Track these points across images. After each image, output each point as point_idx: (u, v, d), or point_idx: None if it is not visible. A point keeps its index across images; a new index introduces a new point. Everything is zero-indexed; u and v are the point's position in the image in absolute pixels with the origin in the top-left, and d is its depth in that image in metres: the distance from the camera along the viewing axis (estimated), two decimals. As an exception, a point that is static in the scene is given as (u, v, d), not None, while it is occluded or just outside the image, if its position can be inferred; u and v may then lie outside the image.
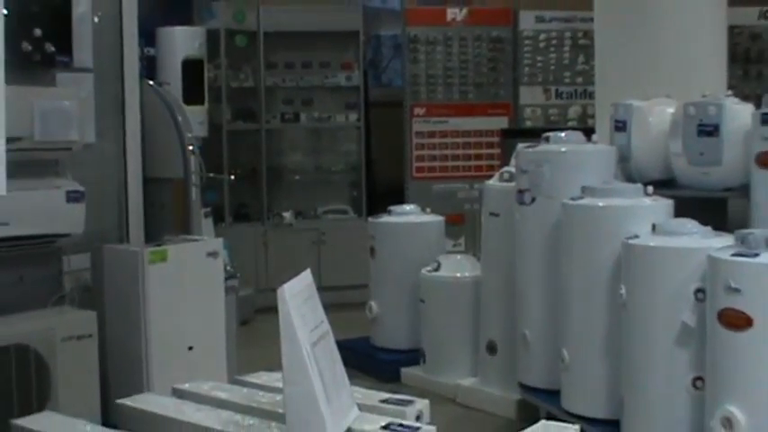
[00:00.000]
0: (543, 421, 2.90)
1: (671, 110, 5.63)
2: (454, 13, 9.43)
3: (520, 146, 5.82)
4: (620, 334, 4.88)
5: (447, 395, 6.31)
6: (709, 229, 4.75)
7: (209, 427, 3.25)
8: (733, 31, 8.56)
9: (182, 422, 3.34)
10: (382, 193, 9.18)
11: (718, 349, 4.28)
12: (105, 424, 3.81)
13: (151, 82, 6.19)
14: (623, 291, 4.78)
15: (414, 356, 6.77)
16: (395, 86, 9.97)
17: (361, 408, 3.24)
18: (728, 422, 4.18)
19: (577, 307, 5.22)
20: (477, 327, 6.38)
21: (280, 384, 3.10)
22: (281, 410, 3.13)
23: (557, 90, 9.49)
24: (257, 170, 9.22)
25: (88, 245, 4.86)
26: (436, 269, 6.64)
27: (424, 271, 6.68)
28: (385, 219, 7.20)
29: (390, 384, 6.35)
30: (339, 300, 6.93)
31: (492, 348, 6.20)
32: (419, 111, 9.38)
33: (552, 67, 9.48)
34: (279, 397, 3.23)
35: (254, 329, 7.09)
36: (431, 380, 6.51)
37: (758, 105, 5.11)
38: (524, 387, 5.78)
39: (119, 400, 3.65)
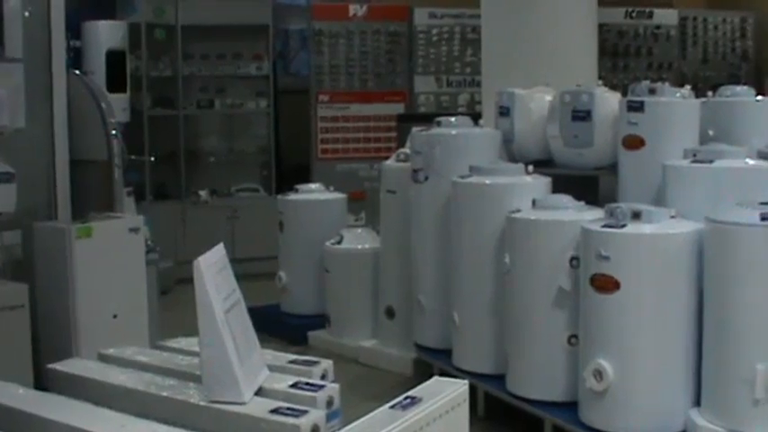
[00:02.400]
0: (436, 377, 2.93)
1: (549, 97, 5.69)
2: (356, 10, 9.40)
3: (414, 129, 5.84)
4: (505, 298, 4.95)
5: (350, 356, 6.32)
6: (582, 203, 4.85)
7: (132, 389, 3.23)
8: (603, 28, 8.70)
9: (107, 384, 3.31)
10: (290, 172, 9.13)
11: (591, 310, 4.38)
12: (37, 387, 3.75)
13: (77, 72, 6.08)
14: (507, 259, 4.84)
15: (319, 321, 6.76)
16: (301, 76, 9.90)
17: (271, 368, 3.24)
18: (599, 373, 4.28)
19: (466, 274, 5.27)
20: (376, 294, 6.40)
21: (197, 348, 3.09)
22: (198, 372, 3.12)
23: (448, 79, 9.53)
24: (176, 152, 9.10)
25: (19, 222, 4.77)
26: (339, 242, 6.64)
27: (328, 243, 6.67)
28: (292, 196, 7.17)
29: (298, 347, 6.34)
30: (251, 270, 6.88)
31: (390, 313, 6.22)
32: (323, 98, 9.35)
33: (444, 59, 9.51)
34: (196, 360, 3.22)
35: (173, 298, 7.01)
36: (335, 342, 6.52)
37: (625, 94, 5.21)
38: (420, 347, 5.83)
39: (49, 365, 3.60)
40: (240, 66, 9.38)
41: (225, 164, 9.54)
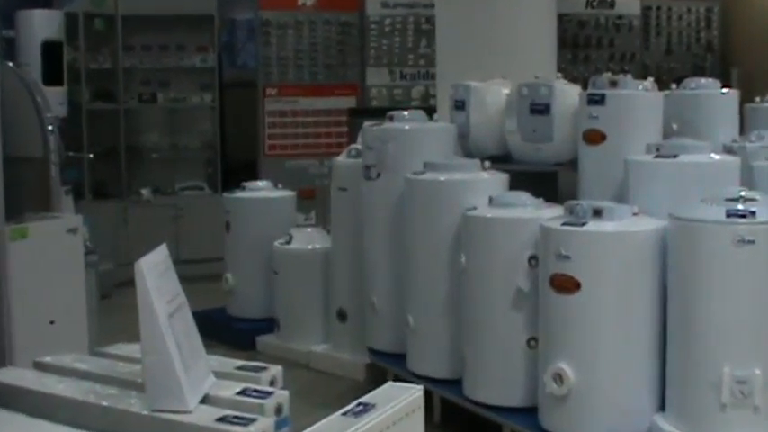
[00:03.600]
0: (390, 383, 2.91)
1: (506, 90, 5.70)
2: (305, -1, 9.40)
3: (366, 124, 5.83)
4: (461, 299, 4.96)
5: (300, 361, 6.31)
6: (541, 200, 4.87)
7: (70, 398, 3.18)
8: (562, 18, 8.76)
9: (44, 394, 3.26)
10: (236, 169, 9.10)
11: (550, 311, 4.39)
12: (-32, 398, 3.69)
13: (10, 63, 6.00)
14: (463, 259, 4.84)
15: (268, 325, 6.74)
16: (248, 68, 9.87)
17: (218, 375, 3.21)
18: (559, 377, 4.29)
19: (421, 275, 5.27)
20: (327, 296, 6.39)
21: (139, 355, 3.05)
22: (140, 380, 3.09)
23: (401, 72, 9.54)
24: (116, 149, 9.03)
25: (-52, 223, 4.69)
26: (288, 242, 6.62)
27: (276, 244, 6.65)
28: (239, 194, 7.14)
29: (246, 352, 6.32)
30: (196, 272, 6.85)
31: (342, 316, 6.21)
32: (271, 91, 9.33)
33: (397, 51, 9.52)
34: (138, 367, 3.18)
35: (114, 303, 6.95)
36: (285, 347, 6.50)
37: (585, 87, 5.23)
38: (373, 351, 5.82)
39: (-20, 374, 3.54)
40: (184, 58, 9.33)
41: (168, 161, 9.48)
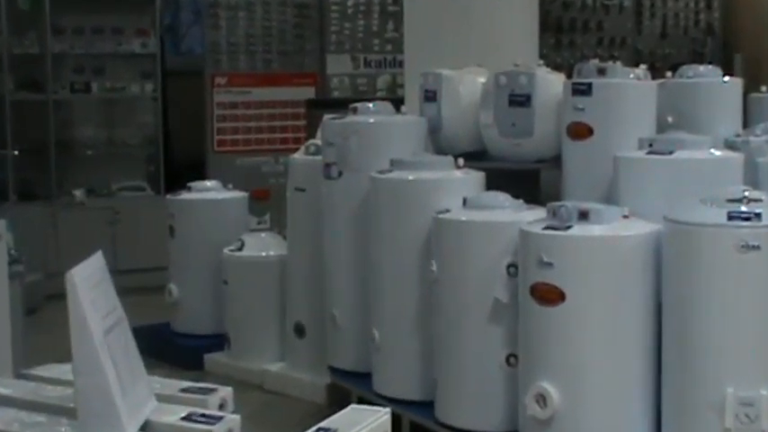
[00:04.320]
0: (353, 405, 2.91)
1: (482, 79, 5.72)
2: (258, -23, 9.39)
3: (326, 117, 5.83)
4: (433, 312, 4.96)
5: (253, 382, 6.30)
6: (521, 202, 4.88)
7: (-9, 426, 3.15)
8: (545, -1, 8.80)
9: (-39, 422, 3.23)
10: (181, 168, 9.07)
11: (532, 325, 4.39)
12: None
13: None
14: (434, 267, 4.84)
15: (217, 342, 6.73)
16: (194, 55, 9.86)
17: (160, 398, 3.19)
18: (542, 398, 4.29)
19: (388, 285, 5.27)
20: (283, 308, 6.38)
21: (70, 377, 3.03)
22: (71, 405, 3.07)
23: (365, 59, 9.55)
24: (45, 145, 8.97)
25: None
26: (240, 248, 6.61)
27: (226, 251, 6.63)
28: (184, 195, 7.13)
29: (193, 372, 6.28)
30: (136, 283, 6.83)
31: (300, 330, 6.21)
32: (220, 80, 9.31)
33: (360, 35, 9.53)
34: (69, 390, 3.16)
35: (42, 318, 6.91)
36: (236, 366, 6.49)
37: (570, 75, 5.25)
38: (334, 370, 5.82)
39: None
40: (121, 42, 9.28)
41: (104, 158, 9.43)
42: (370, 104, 5.78)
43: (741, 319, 3.98)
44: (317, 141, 6.03)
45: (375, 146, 5.50)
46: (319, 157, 5.83)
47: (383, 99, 6.56)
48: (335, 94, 9.39)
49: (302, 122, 9.08)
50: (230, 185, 7.26)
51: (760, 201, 4.05)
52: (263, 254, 6.58)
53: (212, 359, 6.72)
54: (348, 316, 5.66)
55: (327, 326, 5.81)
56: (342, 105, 6.20)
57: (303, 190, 6.08)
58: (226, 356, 6.66)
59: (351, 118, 5.66)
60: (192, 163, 9.16)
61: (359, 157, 5.50)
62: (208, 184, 7.30)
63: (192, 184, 7.21)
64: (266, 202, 8.02)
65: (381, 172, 5.28)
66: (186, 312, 7.01)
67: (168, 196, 7.36)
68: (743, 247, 3.92)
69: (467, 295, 4.75)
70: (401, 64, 7.91)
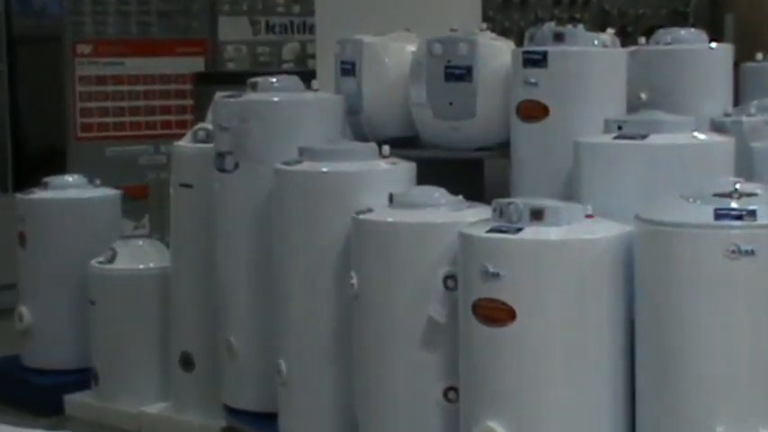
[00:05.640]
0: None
1: (412, 48, 5.76)
2: None
3: (219, 95, 5.83)
4: (353, 336, 4.98)
5: (128, 427, 6.28)
6: (460, 198, 4.90)
7: None
8: (488, -52, 8.85)
9: None
10: (35, 159, 9.01)
11: (475, 350, 4.41)
12: None
13: None
14: (354, 280, 4.86)
15: (82, 378, 6.66)
16: (50, 16, 9.78)
17: (9, 448, 3.18)
18: (489, 440, 4.34)
19: (297, 303, 5.28)
20: (166, 335, 6.36)
21: None
22: None
23: (267, 22, 9.56)
24: None
25: None
26: (110, 260, 6.56)
27: (93, 263, 6.58)
28: (39, 194, 7.05)
29: (51, 418, 6.26)
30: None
31: (187, 362, 6.19)
32: (84, 49, 9.26)
33: (261, -7, 9.55)
34: None
35: None
36: (106, 408, 6.45)
37: (520, 42, 5.30)
38: (231, 411, 5.82)
39: None
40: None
41: (-66, 147, 9.35)
42: (274, 79, 5.78)
43: (732, 341, 4.01)
44: (208, 125, 6.03)
45: (280, 131, 5.51)
46: (210, 145, 5.83)
47: (290, 72, 6.56)
48: (230, 66, 9.38)
49: (189, 102, 9.07)
50: (98, 181, 7.20)
51: (754, 195, 4.09)
52: (141, 266, 6.54)
53: (75, 400, 6.66)
54: (248, 343, 5.66)
55: (222, 356, 5.81)
56: (238, 80, 6.19)
57: (190, 186, 6.07)
58: (92, 397, 6.60)
59: (249, 96, 5.67)
60: (48, 153, 9.10)
61: (260, 144, 5.51)
62: (69, 179, 7.23)
63: (49, 180, 7.13)
64: (144, 201, 7.98)
65: (288, 163, 5.28)
66: (41, 342, 6.94)
67: (18, 195, 7.29)
68: (733, 252, 3.95)
69: (395, 315, 4.77)
70: (312, 29, 7.92)
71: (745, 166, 4.75)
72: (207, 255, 5.89)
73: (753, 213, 3.99)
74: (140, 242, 6.75)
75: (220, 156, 5.65)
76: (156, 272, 6.49)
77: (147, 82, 9.35)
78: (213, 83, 7.80)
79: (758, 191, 4.13)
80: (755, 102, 5.28)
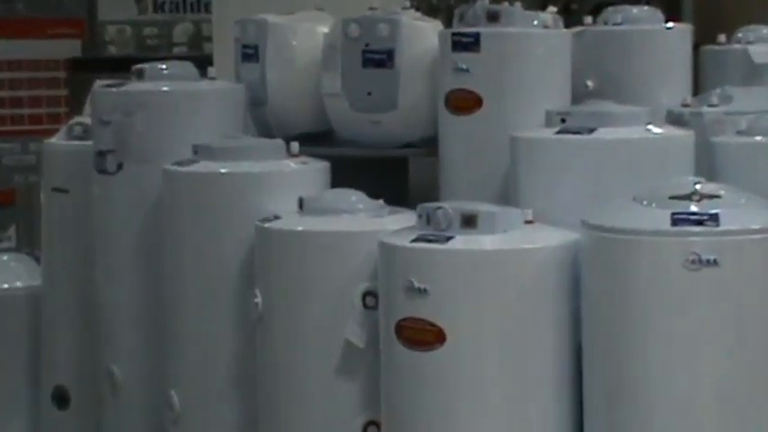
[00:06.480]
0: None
1: (324, 29, 5.81)
2: None
3: (98, 84, 5.83)
4: (258, 363, 5.00)
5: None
6: (381, 203, 4.94)
7: None
8: None
9: None
10: None
11: (399, 378, 4.45)
12: None
13: None
14: (259, 298, 4.88)
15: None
16: None
17: None
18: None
19: (192, 326, 5.30)
20: (36, 366, 6.35)
21: None
22: None
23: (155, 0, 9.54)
24: None
25: None
26: (-31, 278, 6.55)
27: (-51, 282, 6.57)
28: None
29: None
30: None
31: (61, 398, 6.18)
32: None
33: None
34: None
35: None
36: (-37, 453, 6.43)
37: (450, 23, 5.36)
38: (113, 453, 5.81)
39: None
40: None
41: None
42: (163, 65, 5.80)
43: (693, 362, 4.06)
44: (86, 120, 6.02)
45: (170, 126, 5.54)
46: (88, 143, 5.83)
47: (182, 58, 6.57)
48: (112, 50, 9.37)
49: (62, 92, 9.04)
50: (-46, 185, 7.20)
51: (717, 197, 4.15)
52: (5, 285, 6.52)
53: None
54: (133, 373, 5.67)
55: (102, 389, 5.80)
56: (121, 67, 6.19)
57: (65, 191, 6.07)
58: (-55, 440, 6.60)
59: (135, 85, 5.68)
60: None
61: (147, 141, 5.53)
62: None
63: None
64: (10, 208, 7.96)
65: (180, 163, 5.30)
66: None
67: None
68: (693, 262, 4.00)
69: (305, 338, 4.79)
70: (207, 7, 7.94)
71: (705, 163, 4.82)
72: (85, 271, 5.90)
73: (715, 218, 4.04)
74: (5, 257, 6.73)
75: (100, 155, 5.65)
76: (23, 292, 6.47)
77: (12, 68, 9.32)
78: (91, 70, 7.80)
79: (721, 192, 4.19)
80: (717, 90, 5.34)
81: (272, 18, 5.88)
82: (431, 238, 4.38)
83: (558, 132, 4.73)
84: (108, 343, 5.78)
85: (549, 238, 4.39)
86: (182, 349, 5.35)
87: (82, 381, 6.05)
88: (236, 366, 5.17)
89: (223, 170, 5.21)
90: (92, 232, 5.80)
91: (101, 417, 5.86)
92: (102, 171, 5.65)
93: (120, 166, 5.58)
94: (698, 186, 4.19)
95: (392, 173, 5.45)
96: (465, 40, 5.06)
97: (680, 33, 5.64)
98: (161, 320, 5.44)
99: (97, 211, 5.75)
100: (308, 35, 5.84)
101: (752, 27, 6.06)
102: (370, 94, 5.49)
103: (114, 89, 5.69)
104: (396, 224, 4.68)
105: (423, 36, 5.45)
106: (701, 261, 3.98)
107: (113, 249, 5.72)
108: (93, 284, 5.83)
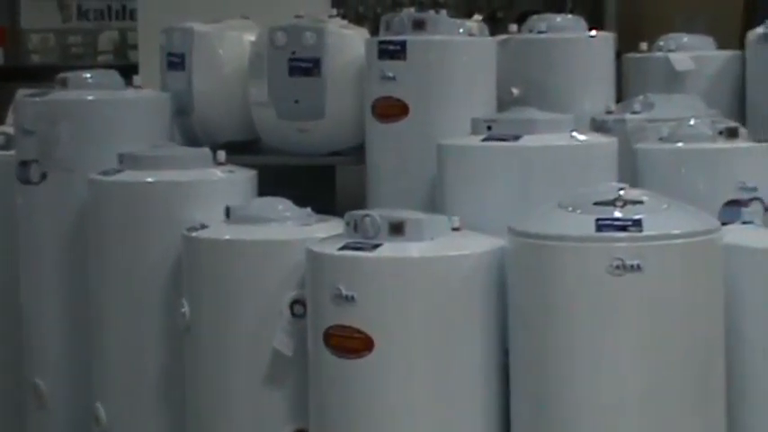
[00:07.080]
0: None
1: (250, 37, 5.84)
2: None
3: (21, 93, 5.85)
4: (186, 374, 5.03)
5: None
6: (308, 211, 4.97)
7: None
8: None
9: None
10: None
11: (327, 386, 4.48)
12: None
13: None
14: (186, 308, 4.92)
15: None
16: None
17: None
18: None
19: (118, 337, 5.31)
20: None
21: None
22: None
23: (80, 7, 9.51)
24: None
25: None
26: None
27: None
28: None
29: None
30: None
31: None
32: None
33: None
34: None
35: None
36: None
37: (376, 31, 5.42)
38: (37, 468, 5.82)
39: None
40: None
41: None
42: (88, 74, 5.82)
43: (618, 367, 4.11)
44: (8, 129, 6.04)
45: (95, 135, 5.55)
46: (11, 153, 5.85)
47: (107, 66, 6.57)
48: (35, 58, 9.33)
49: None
50: None
51: (640, 203, 4.21)
52: None
53: None
54: (58, 387, 5.67)
55: (26, 403, 5.80)
56: (45, 76, 6.17)
57: (-9, 201, 6.06)
58: None
59: (59, 94, 5.69)
60: None
61: (71, 151, 5.53)
62: None
63: None
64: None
65: (105, 173, 5.31)
66: None
67: None
68: (617, 268, 4.05)
69: (233, 348, 4.82)
70: (133, 15, 7.93)
71: (628, 169, 4.89)
72: (7, 283, 5.90)
73: (638, 223, 4.11)
74: None
75: (24, 165, 5.66)
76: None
77: (-70, 78, 9.29)
78: (14, 79, 7.78)
79: (644, 198, 4.26)
80: (640, 97, 5.45)
81: (198, 26, 5.91)
82: (358, 245, 4.43)
83: (485, 140, 4.79)
84: (31, 355, 5.77)
85: (476, 245, 4.44)
86: (108, 361, 5.36)
87: (4, 395, 6.05)
88: (164, 378, 5.20)
89: (149, 179, 5.23)
90: (14, 243, 5.80)
91: (25, 430, 5.85)
92: (26, 181, 5.65)
93: (43, 176, 5.59)
94: (621, 192, 4.25)
95: (320, 181, 5.48)
96: (391, 47, 5.11)
97: (603, 42, 5.71)
98: (87, 332, 5.44)
99: (20, 222, 5.76)
100: (235, 43, 5.88)
101: (673, 35, 6.13)
102: (297, 102, 5.53)
103: (38, 98, 5.70)
104: (323, 232, 4.73)
105: (349, 44, 5.50)
106: (624, 266, 4.04)
107: (38, 258, 5.72)
108: (17, 295, 5.81)
